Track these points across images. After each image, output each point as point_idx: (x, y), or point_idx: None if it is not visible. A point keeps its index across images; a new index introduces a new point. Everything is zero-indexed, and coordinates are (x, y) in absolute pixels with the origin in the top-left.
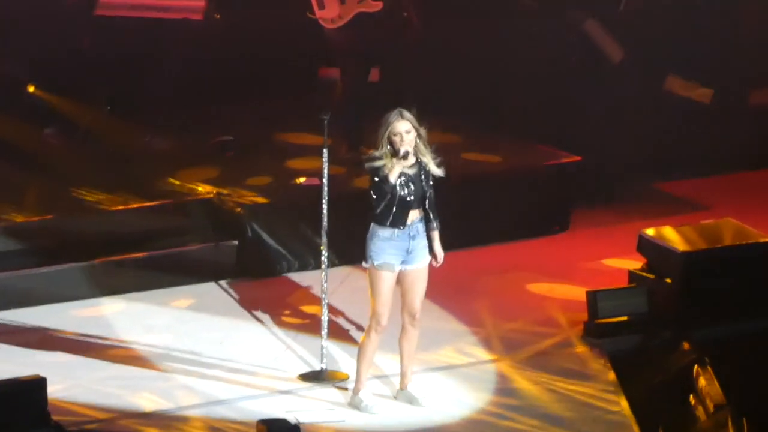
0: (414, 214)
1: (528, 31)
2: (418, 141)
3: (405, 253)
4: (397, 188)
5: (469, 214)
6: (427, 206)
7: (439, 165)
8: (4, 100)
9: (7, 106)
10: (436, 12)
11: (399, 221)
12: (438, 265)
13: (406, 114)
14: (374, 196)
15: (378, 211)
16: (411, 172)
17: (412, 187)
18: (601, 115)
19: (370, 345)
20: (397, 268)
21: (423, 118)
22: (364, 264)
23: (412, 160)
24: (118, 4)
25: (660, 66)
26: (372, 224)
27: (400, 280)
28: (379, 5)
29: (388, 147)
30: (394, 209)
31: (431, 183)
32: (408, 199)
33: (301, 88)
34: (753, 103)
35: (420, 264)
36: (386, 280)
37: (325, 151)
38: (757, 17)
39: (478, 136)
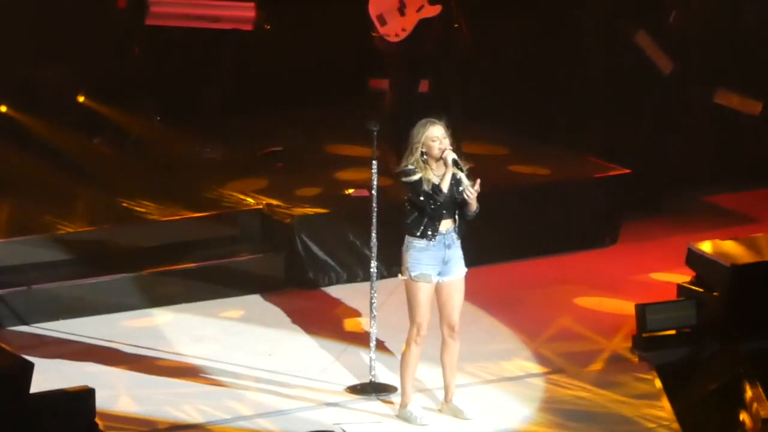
0: (447, 223)
1: (578, 42)
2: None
3: (441, 263)
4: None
5: (517, 227)
6: (457, 215)
7: (468, 176)
8: (54, 110)
9: (58, 115)
10: (486, 22)
11: (431, 231)
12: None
13: (437, 121)
14: (411, 208)
15: (409, 221)
16: (439, 180)
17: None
18: (651, 126)
19: (412, 357)
20: (435, 279)
21: (471, 130)
22: (400, 276)
23: (442, 169)
24: (169, 14)
25: (710, 78)
26: (406, 236)
27: (437, 292)
28: (438, 8)
29: (422, 157)
30: (426, 219)
31: (461, 190)
32: (441, 208)
33: (351, 98)
34: None
35: (457, 275)
36: (424, 291)
37: (374, 162)
38: None
39: (527, 147)
